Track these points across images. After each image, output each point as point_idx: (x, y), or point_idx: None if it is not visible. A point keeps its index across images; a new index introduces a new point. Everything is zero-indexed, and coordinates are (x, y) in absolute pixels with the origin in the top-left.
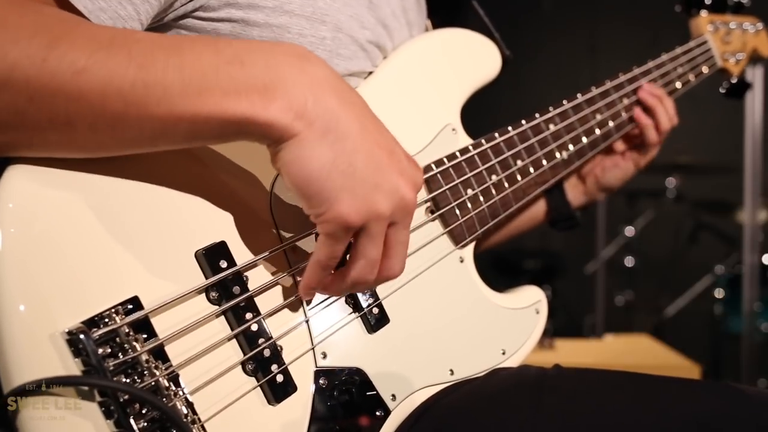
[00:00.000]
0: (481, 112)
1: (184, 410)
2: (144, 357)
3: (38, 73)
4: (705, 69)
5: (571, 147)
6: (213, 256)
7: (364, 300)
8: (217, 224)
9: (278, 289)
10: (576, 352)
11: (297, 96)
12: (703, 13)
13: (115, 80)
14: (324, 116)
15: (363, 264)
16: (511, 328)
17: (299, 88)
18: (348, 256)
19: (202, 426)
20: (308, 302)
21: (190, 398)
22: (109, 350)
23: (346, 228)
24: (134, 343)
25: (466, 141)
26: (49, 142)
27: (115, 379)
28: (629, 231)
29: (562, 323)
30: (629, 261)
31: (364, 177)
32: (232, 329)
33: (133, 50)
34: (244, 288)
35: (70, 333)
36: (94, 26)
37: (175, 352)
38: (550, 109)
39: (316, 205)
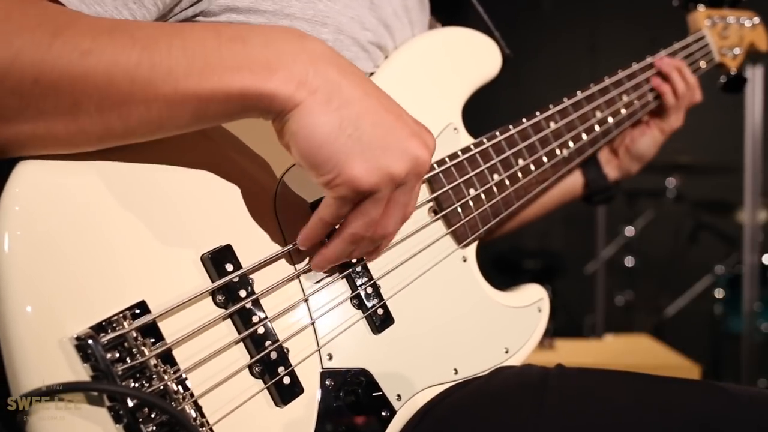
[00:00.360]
0: (481, 112)
1: (193, 414)
2: (152, 361)
3: (43, 57)
4: (703, 64)
5: (571, 144)
6: (219, 259)
7: (368, 301)
8: (222, 228)
9: (284, 291)
10: (576, 352)
11: (298, 67)
12: (701, 7)
13: (120, 60)
14: (326, 85)
15: (362, 222)
16: (513, 327)
17: (300, 61)
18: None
19: (211, 429)
20: (311, 307)
21: (199, 402)
22: (118, 355)
23: (358, 192)
24: (142, 348)
25: (467, 140)
26: (56, 132)
27: (123, 383)
28: (629, 231)
29: (562, 323)
30: (629, 261)
31: (372, 140)
32: (239, 332)
33: (136, 34)
34: (250, 291)
35: (78, 338)
36: (95, 17)
37: (182, 356)
38: (551, 106)
39: (326, 171)
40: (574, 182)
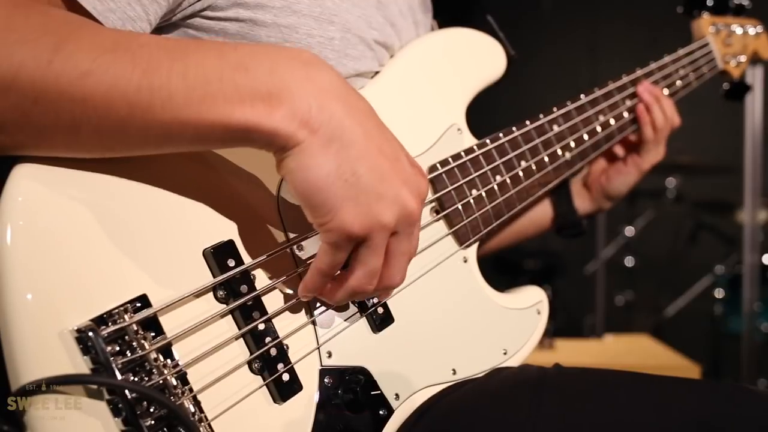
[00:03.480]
0: (480, 112)
1: (192, 409)
2: (152, 355)
3: (43, 75)
4: (706, 71)
5: (574, 148)
6: (221, 254)
7: (369, 299)
8: (224, 223)
9: (285, 288)
10: (576, 352)
11: (301, 103)
12: (705, 14)
13: (119, 84)
14: (329, 124)
15: (362, 273)
16: (512, 328)
17: (304, 95)
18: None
19: (209, 424)
20: (311, 305)
21: (198, 397)
22: (118, 348)
23: (349, 238)
24: (143, 342)
25: (471, 141)
26: (55, 144)
27: (123, 377)
28: (629, 231)
29: (562, 323)
30: (629, 261)
31: (367, 187)
32: (239, 328)
33: (137, 54)
34: (252, 287)
35: (79, 330)
36: (98, 28)
37: (182, 351)
38: (554, 109)
39: (319, 214)
40: (543, 213)
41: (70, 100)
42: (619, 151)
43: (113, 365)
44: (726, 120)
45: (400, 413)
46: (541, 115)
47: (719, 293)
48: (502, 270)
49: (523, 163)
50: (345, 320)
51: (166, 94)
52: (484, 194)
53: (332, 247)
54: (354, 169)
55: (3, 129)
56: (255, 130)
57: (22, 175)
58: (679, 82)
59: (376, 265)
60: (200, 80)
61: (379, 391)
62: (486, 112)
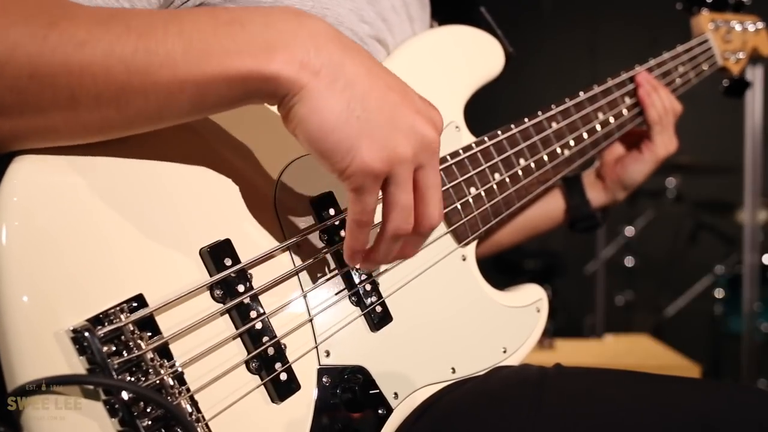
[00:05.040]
0: (480, 112)
1: (189, 409)
2: (149, 355)
3: (39, 50)
4: (705, 67)
5: (573, 145)
6: (217, 253)
7: (367, 298)
8: (221, 222)
9: (282, 287)
10: (576, 352)
11: (299, 48)
12: (704, 11)
13: (116, 50)
14: (329, 65)
15: (396, 214)
16: (512, 327)
17: (300, 40)
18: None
19: (207, 424)
20: (309, 303)
21: (195, 397)
22: (114, 348)
23: (373, 176)
24: (139, 342)
25: (469, 139)
26: (54, 125)
27: (119, 377)
28: (629, 231)
29: (562, 323)
30: (629, 261)
31: (380, 120)
32: (236, 327)
33: (132, 22)
34: (249, 286)
35: (75, 331)
36: (91, 8)
37: (179, 351)
38: (553, 107)
39: (338, 158)
40: (556, 207)
41: (68, 72)
42: (632, 140)
43: (110, 365)
44: (726, 120)
45: (400, 412)
46: (540, 113)
47: (719, 293)
48: (502, 270)
49: (522, 162)
50: (343, 319)
51: (163, 53)
52: (483, 193)
53: (359, 192)
54: (364, 105)
55: (1, 111)
56: (256, 77)
57: (18, 173)
58: (678, 79)
59: (407, 201)
60: (196, 37)
61: (377, 390)
62: (485, 111)
